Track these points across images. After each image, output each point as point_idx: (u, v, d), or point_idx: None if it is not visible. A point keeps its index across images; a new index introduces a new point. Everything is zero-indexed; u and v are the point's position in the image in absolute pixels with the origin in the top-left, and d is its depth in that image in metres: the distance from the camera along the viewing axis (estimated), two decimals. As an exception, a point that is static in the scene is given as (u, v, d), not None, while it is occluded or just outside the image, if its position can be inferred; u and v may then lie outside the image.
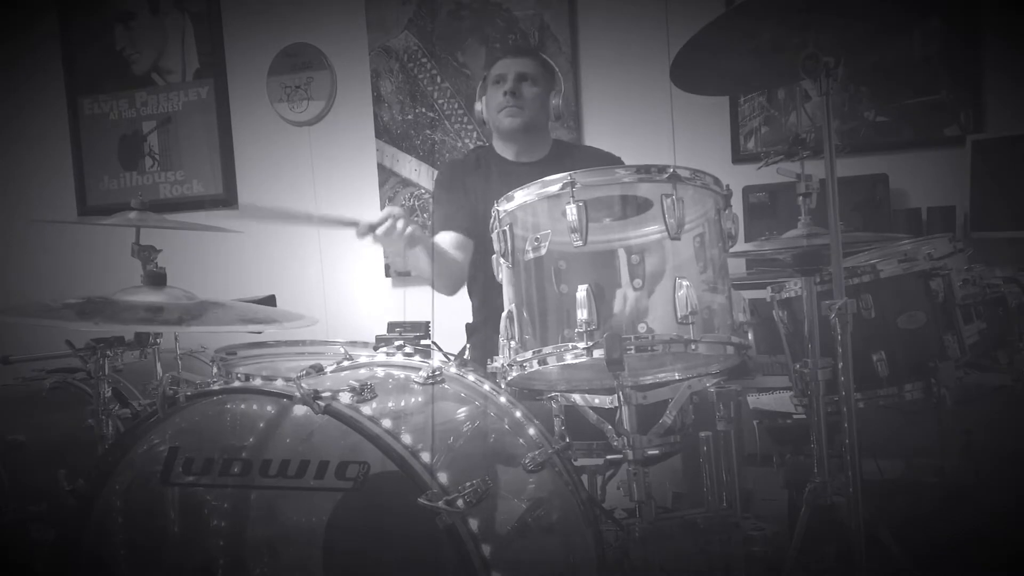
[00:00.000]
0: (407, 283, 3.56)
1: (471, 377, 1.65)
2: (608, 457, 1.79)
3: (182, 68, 3.82)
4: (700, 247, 1.46)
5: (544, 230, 1.44)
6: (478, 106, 2.28)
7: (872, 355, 1.74)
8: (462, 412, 1.56)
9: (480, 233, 1.97)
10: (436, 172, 3.36)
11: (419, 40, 3.47)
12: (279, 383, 1.39)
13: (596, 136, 3.25)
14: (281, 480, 1.34)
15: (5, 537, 2.01)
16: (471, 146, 3.41)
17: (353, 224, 1.77)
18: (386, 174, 3.57)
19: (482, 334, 2.20)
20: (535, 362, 1.42)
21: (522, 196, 1.46)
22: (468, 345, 2.24)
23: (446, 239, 2.17)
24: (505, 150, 2.27)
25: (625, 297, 1.42)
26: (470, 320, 2.32)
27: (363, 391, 1.36)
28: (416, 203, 3.53)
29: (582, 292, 1.36)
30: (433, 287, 2.02)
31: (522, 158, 2.25)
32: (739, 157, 3.13)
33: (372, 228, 1.75)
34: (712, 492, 1.54)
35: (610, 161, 2.19)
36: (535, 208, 1.46)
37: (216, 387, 1.43)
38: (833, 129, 1.45)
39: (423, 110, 3.49)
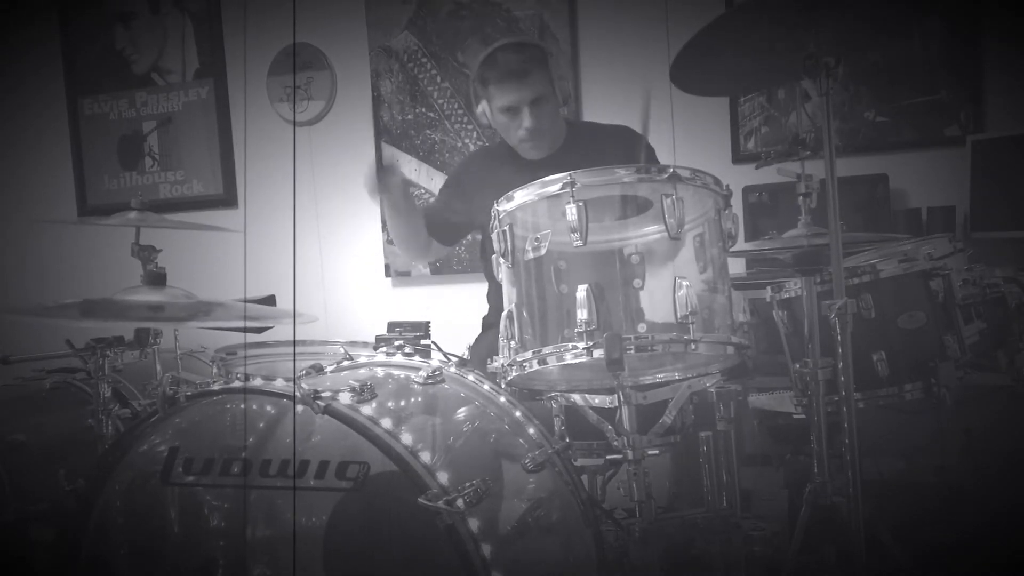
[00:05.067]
0: (407, 283, 3.56)
1: (471, 377, 1.65)
2: (608, 457, 1.78)
3: (182, 68, 3.82)
4: (700, 247, 1.46)
5: (544, 230, 1.44)
6: (479, 108, 2.15)
7: (872, 355, 1.74)
8: (462, 412, 1.56)
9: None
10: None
11: (419, 40, 3.47)
12: (279, 383, 1.39)
13: (596, 136, 3.25)
14: (281, 480, 1.34)
15: (5, 537, 2.01)
16: (472, 147, 3.41)
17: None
18: (386, 174, 3.56)
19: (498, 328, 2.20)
20: (535, 362, 1.42)
21: (522, 196, 1.46)
22: (471, 345, 2.24)
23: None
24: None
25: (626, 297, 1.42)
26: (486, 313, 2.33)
27: (363, 391, 1.36)
28: (416, 203, 3.51)
29: (582, 292, 1.36)
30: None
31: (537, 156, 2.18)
32: (739, 157, 3.13)
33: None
34: (712, 492, 1.54)
35: (621, 134, 2.17)
36: (535, 208, 1.46)
37: (216, 387, 1.43)
38: (833, 129, 1.45)
39: (423, 110, 3.49)
